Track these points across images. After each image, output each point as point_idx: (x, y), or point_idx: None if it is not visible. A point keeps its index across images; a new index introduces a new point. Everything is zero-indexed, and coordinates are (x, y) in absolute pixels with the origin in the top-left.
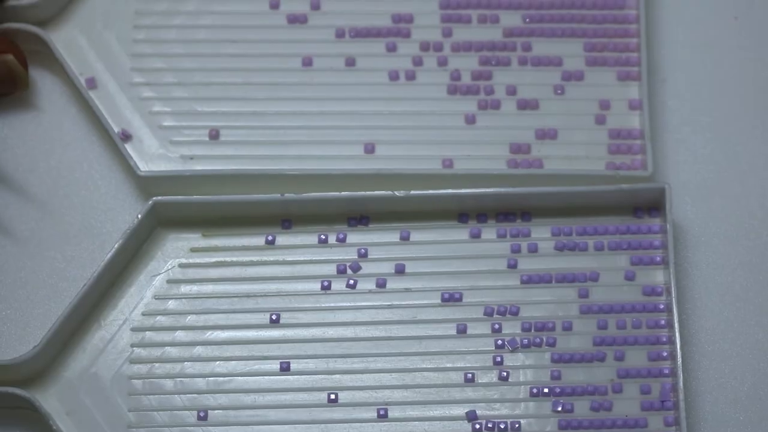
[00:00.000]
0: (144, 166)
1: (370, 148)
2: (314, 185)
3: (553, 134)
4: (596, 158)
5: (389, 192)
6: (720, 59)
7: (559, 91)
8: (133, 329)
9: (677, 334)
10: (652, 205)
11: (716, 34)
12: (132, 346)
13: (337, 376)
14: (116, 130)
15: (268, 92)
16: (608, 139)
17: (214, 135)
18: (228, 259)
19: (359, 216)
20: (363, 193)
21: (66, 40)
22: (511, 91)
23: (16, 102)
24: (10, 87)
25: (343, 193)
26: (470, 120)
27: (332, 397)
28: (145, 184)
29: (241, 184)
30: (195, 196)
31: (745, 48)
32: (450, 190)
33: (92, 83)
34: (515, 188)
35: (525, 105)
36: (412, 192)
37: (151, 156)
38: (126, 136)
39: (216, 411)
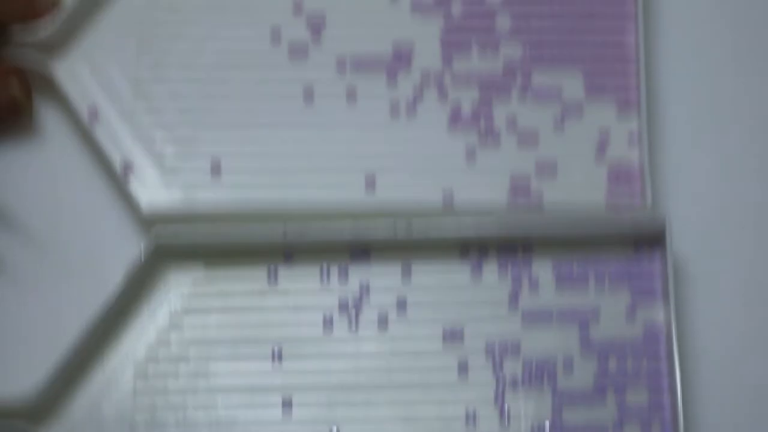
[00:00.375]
0: (145, 199)
1: (370, 180)
2: (315, 218)
3: (553, 168)
4: (596, 192)
5: (391, 226)
6: (722, 94)
7: (558, 125)
8: (136, 365)
9: (677, 371)
10: (653, 240)
11: (718, 69)
12: (135, 380)
13: (339, 411)
14: (118, 162)
15: (269, 123)
16: (608, 172)
17: (216, 166)
18: (230, 293)
19: (361, 250)
20: (365, 227)
21: (69, 71)
22: (512, 124)
23: (18, 133)
24: (13, 112)
25: (345, 227)
26: (470, 153)
27: None
28: (147, 216)
29: (243, 219)
30: (197, 230)
31: (748, 84)
32: (452, 229)
33: (94, 115)
34: (516, 218)
35: (525, 139)
36: (414, 226)
37: (153, 187)
38: (127, 169)
39: None
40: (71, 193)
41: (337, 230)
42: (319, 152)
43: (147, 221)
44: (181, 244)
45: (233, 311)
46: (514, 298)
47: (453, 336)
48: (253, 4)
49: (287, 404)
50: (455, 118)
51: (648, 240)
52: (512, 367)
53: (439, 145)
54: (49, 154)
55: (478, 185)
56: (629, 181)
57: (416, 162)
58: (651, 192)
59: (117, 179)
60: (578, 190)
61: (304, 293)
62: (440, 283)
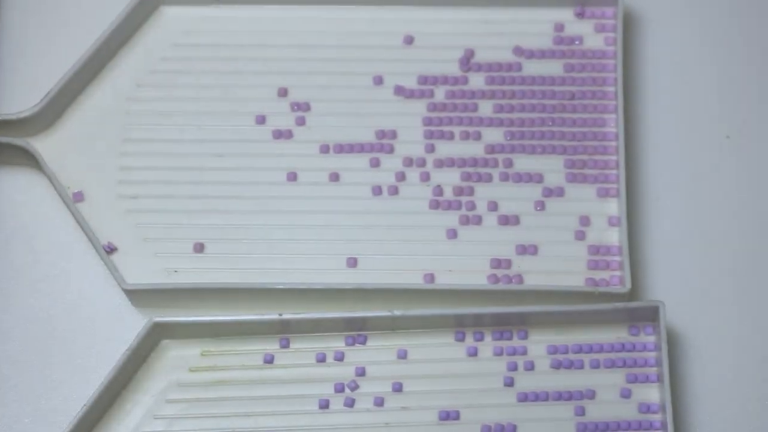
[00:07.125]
0: (129, 279)
1: (352, 262)
2: (296, 299)
3: (534, 249)
4: (576, 273)
5: (387, 311)
6: (712, 178)
7: (539, 207)
8: None
9: None
10: (647, 322)
11: (708, 153)
12: None
13: None
14: (102, 242)
15: (253, 206)
16: (587, 254)
17: (199, 248)
18: (227, 378)
19: (357, 334)
20: (361, 312)
21: (55, 152)
22: (493, 206)
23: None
24: None
25: (341, 313)
26: (452, 234)
27: None
28: (131, 296)
29: (225, 298)
30: (194, 317)
31: (738, 167)
32: (447, 310)
33: (80, 196)
34: (512, 307)
35: (506, 220)
36: (410, 311)
37: (136, 268)
38: (111, 249)
39: None
40: (59, 272)
41: (334, 319)
42: (302, 235)
43: (131, 298)
44: (178, 332)
45: (229, 397)
46: (509, 379)
47: (449, 418)
48: (238, 93)
49: None
50: (436, 200)
51: (643, 323)
52: None
53: (421, 227)
54: (39, 235)
55: (458, 266)
56: (608, 263)
57: (398, 244)
58: (629, 275)
59: (101, 256)
60: (558, 271)
61: (301, 378)
62: (436, 366)
